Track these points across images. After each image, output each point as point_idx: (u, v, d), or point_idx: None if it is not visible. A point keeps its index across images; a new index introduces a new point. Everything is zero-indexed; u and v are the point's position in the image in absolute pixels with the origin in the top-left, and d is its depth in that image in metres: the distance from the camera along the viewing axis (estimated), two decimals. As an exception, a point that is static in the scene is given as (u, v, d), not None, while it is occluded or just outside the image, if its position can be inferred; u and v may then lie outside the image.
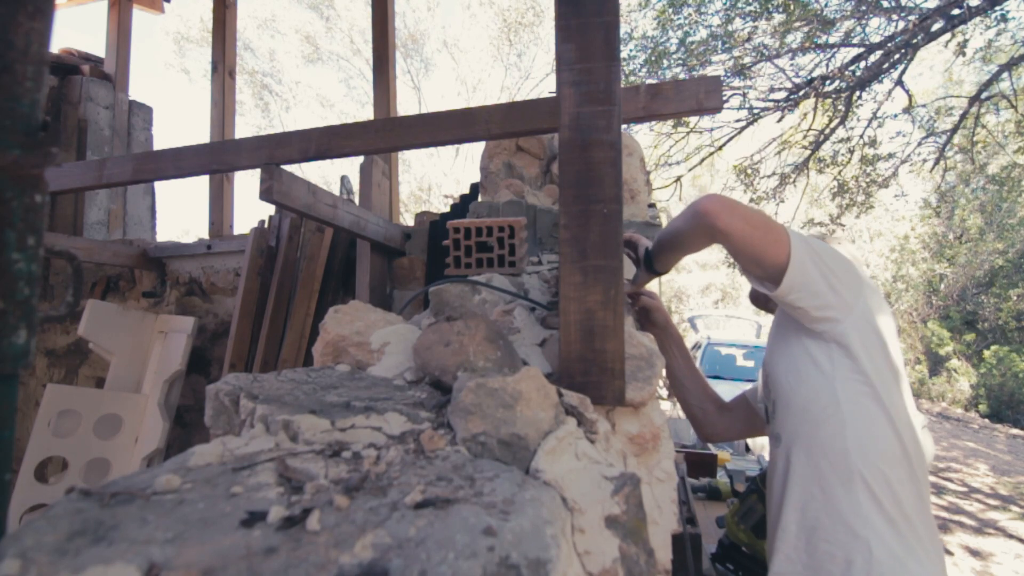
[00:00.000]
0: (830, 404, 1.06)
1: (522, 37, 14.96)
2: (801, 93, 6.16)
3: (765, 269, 1.07)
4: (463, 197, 2.63)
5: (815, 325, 1.09)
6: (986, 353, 11.59)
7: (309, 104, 19.38)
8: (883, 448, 1.03)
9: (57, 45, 4.21)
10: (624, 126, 1.16)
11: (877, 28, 6.17)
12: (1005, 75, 5.92)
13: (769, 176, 7.35)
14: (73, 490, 0.46)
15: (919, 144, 6.73)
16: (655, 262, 1.24)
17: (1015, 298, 11.75)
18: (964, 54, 5.43)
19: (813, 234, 1.24)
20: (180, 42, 15.74)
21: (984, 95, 6.02)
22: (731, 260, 8.10)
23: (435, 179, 16.26)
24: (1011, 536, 4.51)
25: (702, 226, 1.05)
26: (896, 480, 1.02)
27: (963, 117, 6.20)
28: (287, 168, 1.81)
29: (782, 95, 6.32)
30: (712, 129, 6.89)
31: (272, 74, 16.24)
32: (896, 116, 6.60)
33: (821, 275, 1.05)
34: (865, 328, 1.07)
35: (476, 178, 2.35)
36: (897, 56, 5.65)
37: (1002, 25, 5.50)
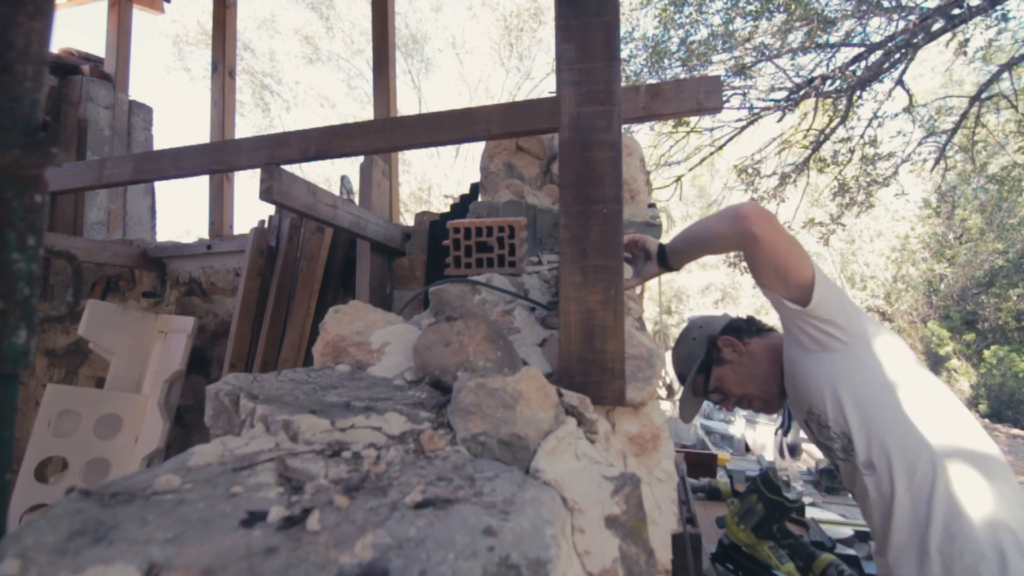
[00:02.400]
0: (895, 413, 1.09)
1: (523, 39, 14.96)
2: (801, 93, 6.16)
3: (789, 285, 1.12)
4: (463, 197, 2.63)
5: (834, 342, 1.13)
6: (986, 353, 11.59)
7: (309, 104, 19.40)
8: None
9: (57, 45, 4.21)
10: (624, 126, 1.16)
11: (877, 28, 6.18)
12: (1005, 75, 5.92)
13: (769, 176, 7.35)
14: (73, 490, 0.46)
15: (919, 144, 6.73)
16: (671, 258, 1.24)
17: (1015, 298, 11.74)
18: (965, 54, 5.43)
19: None
20: (180, 42, 15.75)
21: (984, 95, 6.02)
22: (730, 260, 8.11)
23: (435, 179, 16.27)
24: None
25: (739, 230, 1.09)
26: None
27: (963, 117, 6.20)
28: (287, 168, 1.81)
29: (782, 95, 6.32)
30: (712, 129, 6.89)
31: (272, 74, 16.25)
32: (896, 116, 6.60)
33: (838, 295, 1.12)
34: (871, 353, 1.13)
35: (476, 178, 2.35)
36: (897, 56, 5.64)
37: (1002, 25, 5.49)
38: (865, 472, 1.12)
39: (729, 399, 1.44)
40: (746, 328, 1.44)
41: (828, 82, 6.06)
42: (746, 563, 1.55)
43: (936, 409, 1.10)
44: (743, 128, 6.69)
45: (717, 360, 1.43)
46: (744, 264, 8.35)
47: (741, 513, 1.57)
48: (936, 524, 1.02)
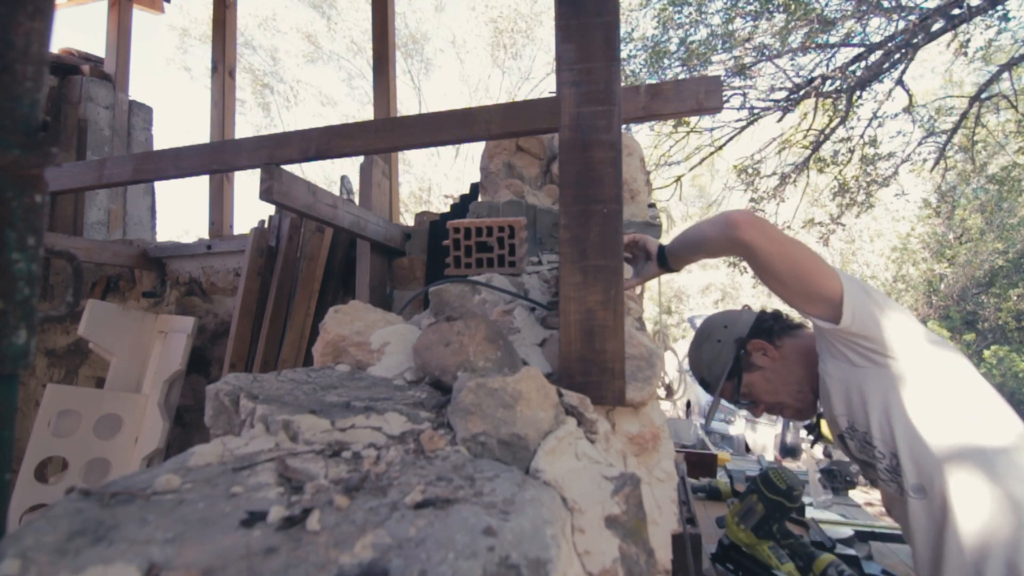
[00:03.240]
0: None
1: (516, 40, 14.96)
2: (801, 93, 6.16)
3: (812, 300, 1.05)
4: (463, 197, 2.63)
5: (879, 357, 1.04)
6: (986, 353, 11.58)
7: (310, 104, 19.39)
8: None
9: (57, 45, 4.21)
10: (624, 126, 1.16)
11: (877, 28, 6.18)
12: (1005, 75, 5.92)
13: (769, 176, 7.35)
14: (73, 490, 0.46)
15: (919, 144, 6.73)
16: (670, 259, 1.21)
17: (1015, 298, 11.74)
18: (966, 54, 5.43)
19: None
20: (180, 42, 15.75)
21: (984, 95, 6.02)
22: (730, 260, 8.11)
23: (435, 179, 16.27)
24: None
25: (728, 237, 1.05)
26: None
27: (963, 117, 6.20)
28: (287, 168, 1.81)
29: (782, 95, 6.32)
30: (712, 129, 6.89)
31: (273, 73, 16.24)
32: (896, 116, 6.61)
33: (876, 307, 1.03)
34: (926, 367, 1.03)
35: (476, 178, 2.35)
36: (897, 56, 5.65)
37: (1002, 24, 5.49)
38: (914, 496, 1.04)
39: (760, 406, 1.34)
40: (776, 328, 1.32)
41: (828, 82, 6.06)
42: (746, 563, 1.55)
43: (1002, 432, 1.00)
44: (743, 128, 6.69)
45: (747, 366, 1.32)
46: (744, 264, 8.36)
47: (741, 513, 1.57)
48: (997, 557, 0.93)
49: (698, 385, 1.47)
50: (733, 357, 1.33)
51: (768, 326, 1.33)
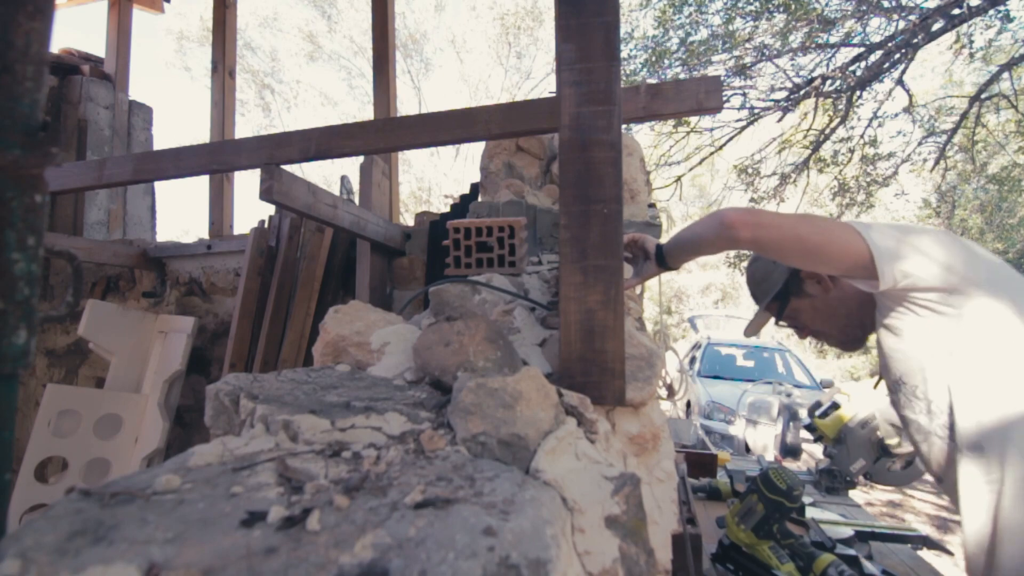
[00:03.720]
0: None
1: (520, 40, 14.96)
2: (801, 93, 6.16)
3: (845, 268, 1.01)
4: (463, 197, 2.63)
5: (931, 307, 0.97)
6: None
7: (310, 104, 19.40)
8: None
9: (57, 45, 4.21)
10: (624, 126, 1.15)
11: (877, 28, 6.18)
12: (1005, 75, 5.92)
13: (769, 176, 7.35)
14: (73, 490, 0.46)
15: (919, 144, 6.73)
16: (668, 258, 1.20)
17: (1015, 298, 11.71)
18: (972, 56, 5.43)
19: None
20: (179, 45, 15.75)
21: (984, 95, 6.02)
22: (730, 260, 8.11)
23: (435, 179, 16.27)
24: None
25: (728, 238, 1.03)
26: None
27: (963, 117, 6.21)
28: (287, 168, 1.81)
29: (782, 95, 6.32)
30: (712, 129, 6.89)
31: (273, 73, 16.25)
32: (896, 116, 6.61)
33: (921, 258, 0.95)
34: (988, 315, 0.94)
35: (476, 178, 2.35)
36: (898, 56, 5.65)
37: (1003, 24, 5.49)
38: (969, 453, 0.96)
39: (803, 331, 1.31)
40: None
41: (828, 82, 6.06)
42: (746, 563, 1.54)
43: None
44: (743, 128, 6.69)
45: (797, 292, 1.27)
46: (744, 265, 8.36)
47: (741, 513, 1.57)
48: None
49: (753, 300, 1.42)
50: (784, 280, 1.29)
51: None
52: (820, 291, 1.25)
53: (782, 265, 1.29)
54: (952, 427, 0.99)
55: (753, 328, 1.45)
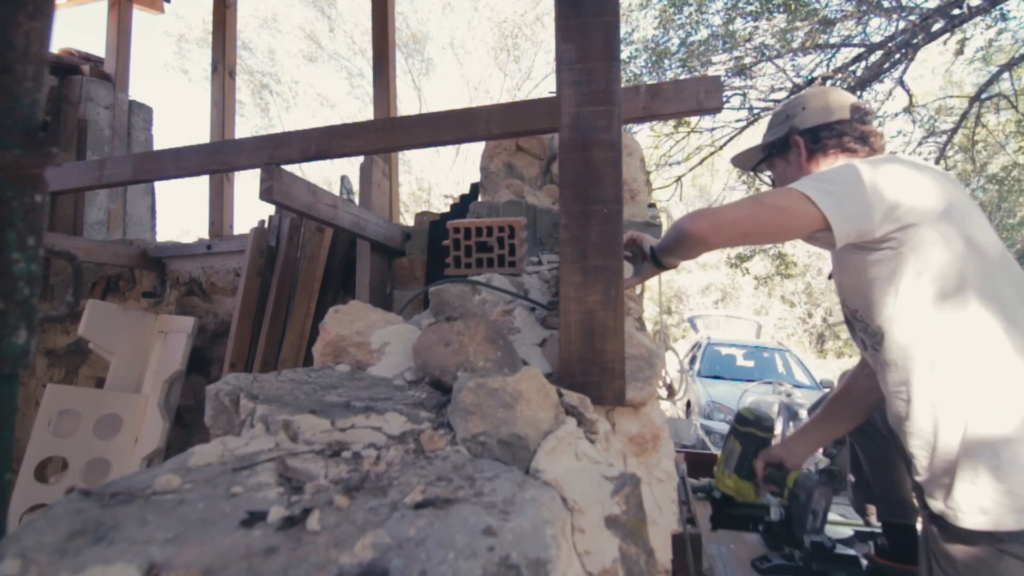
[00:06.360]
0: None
1: (520, 43, 14.96)
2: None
3: (804, 237, 1.07)
4: (463, 197, 2.63)
5: (882, 251, 1.05)
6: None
7: (310, 104, 19.38)
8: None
9: (57, 45, 4.21)
10: (624, 126, 1.15)
11: (877, 28, 6.18)
12: (1005, 75, 5.92)
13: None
14: (73, 490, 0.46)
15: (920, 144, 6.72)
16: (661, 258, 1.22)
17: (1015, 298, 11.71)
18: (961, 52, 5.42)
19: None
20: (178, 47, 15.76)
21: (984, 95, 6.02)
22: (730, 260, 8.11)
23: (435, 179, 16.27)
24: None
25: (693, 243, 1.08)
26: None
27: (963, 117, 6.21)
28: (287, 168, 1.81)
29: (783, 95, 6.31)
30: (712, 129, 6.89)
31: (272, 74, 16.25)
32: (896, 116, 6.60)
33: (865, 207, 1.01)
34: (929, 250, 1.02)
35: (476, 178, 2.35)
36: (898, 56, 5.65)
37: (1002, 24, 5.49)
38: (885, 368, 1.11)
39: (777, 185, 1.38)
40: (829, 143, 1.26)
41: (828, 82, 6.06)
42: (743, 513, 1.60)
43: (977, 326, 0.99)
44: (743, 128, 6.69)
45: (781, 151, 1.35)
46: (744, 265, 8.37)
47: (723, 459, 1.63)
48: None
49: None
50: (778, 137, 1.35)
51: (824, 135, 1.27)
52: (794, 159, 1.32)
53: (785, 125, 1.34)
54: (878, 346, 1.12)
55: (739, 159, 1.52)
